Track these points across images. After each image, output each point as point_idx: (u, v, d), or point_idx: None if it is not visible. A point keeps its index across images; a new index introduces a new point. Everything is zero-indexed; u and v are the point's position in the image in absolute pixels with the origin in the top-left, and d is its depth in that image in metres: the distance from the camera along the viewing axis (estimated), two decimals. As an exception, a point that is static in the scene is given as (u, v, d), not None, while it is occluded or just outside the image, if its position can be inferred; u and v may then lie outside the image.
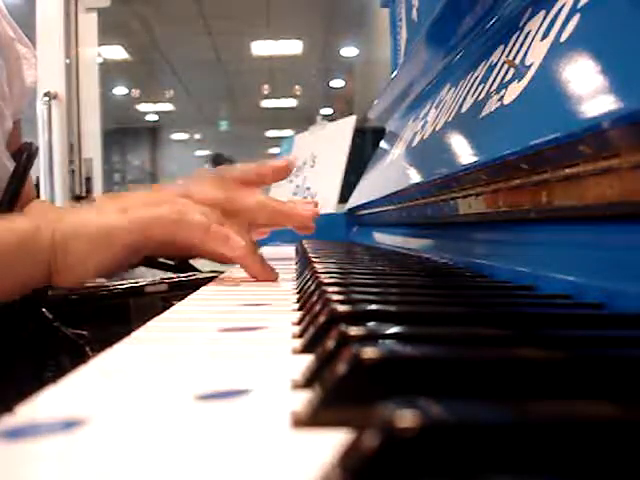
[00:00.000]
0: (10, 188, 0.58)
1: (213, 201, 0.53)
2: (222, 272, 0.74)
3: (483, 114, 0.53)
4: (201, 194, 0.54)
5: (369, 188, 1.19)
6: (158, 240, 0.49)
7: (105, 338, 0.26)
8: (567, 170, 0.35)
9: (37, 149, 0.65)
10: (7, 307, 0.54)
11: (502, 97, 0.49)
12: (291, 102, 7.88)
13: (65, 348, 0.60)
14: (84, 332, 0.61)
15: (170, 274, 0.89)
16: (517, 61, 0.49)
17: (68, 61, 2.66)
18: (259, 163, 0.62)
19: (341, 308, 0.26)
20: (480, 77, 0.61)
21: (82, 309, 0.68)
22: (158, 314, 0.35)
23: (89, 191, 2.73)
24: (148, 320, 0.33)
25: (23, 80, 0.64)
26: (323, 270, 0.48)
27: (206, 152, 9.85)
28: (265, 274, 0.54)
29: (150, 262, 0.88)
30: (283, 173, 0.63)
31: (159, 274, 0.91)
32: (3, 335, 0.55)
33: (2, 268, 0.46)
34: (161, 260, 0.88)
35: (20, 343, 0.57)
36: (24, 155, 0.61)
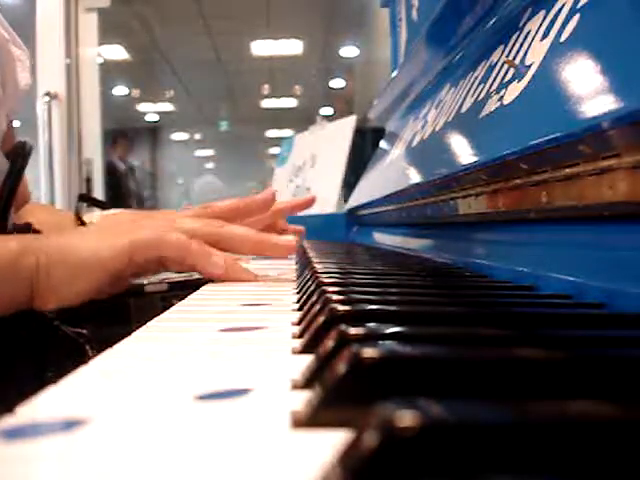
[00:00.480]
0: (5, 188, 0.58)
1: (194, 232, 0.54)
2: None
3: (483, 114, 0.53)
4: (183, 225, 0.54)
5: (369, 188, 1.19)
6: (140, 263, 0.50)
7: (105, 337, 0.26)
8: (567, 170, 0.35)
9: (31, 148, 0.64)
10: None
11: (502, 97, 0.49)
12: (291, 102, 7.88)
13: (65, 347, 0.60)
14: (84, 331, 0.61)
15: (170, 274, 0.89)
16: (517, 61, 0.49)
17: (68, 61, 2.66)
18: (241, 198, 0.64)
19: (341, 308, 0.26)
20: (480, 77, 0.61)
21: (82, 308, 0.68)
22: (158, 314, 0.35)
23: (89, 191, 2.73)
24: (148, 320, 0.33)
25: (17, 82, 0.63)
26: (323, 270, 0.48)
27: (206, 152, 9.85)
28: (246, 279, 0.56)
29: None
30: (266, 207, 0.65)
31: (159, 272, 0.91)
32: (3, 334, 0.55)
33: None
34: None
35: (20, 342, 0.57)
36: (19, 154, 0.61)
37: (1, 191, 0.57)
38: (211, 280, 0.59)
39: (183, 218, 0.57)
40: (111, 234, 0.51)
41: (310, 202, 0.71)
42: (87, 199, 1.01)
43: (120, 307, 0.69)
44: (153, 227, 0.52)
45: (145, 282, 0.73)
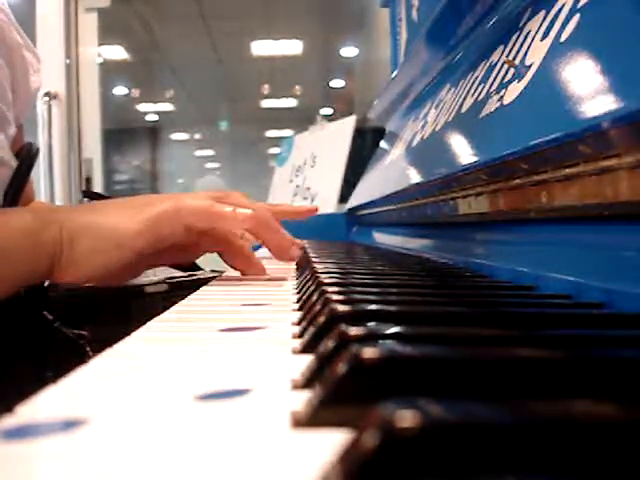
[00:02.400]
0: (12, 188, 0.58)
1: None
2: (222, 272, 0.74)
3: (483, 114, 0.53)
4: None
5: (369, 188, 1.19)
6: (168, 237, 0.49)
7: (106, 338, 0.26)
8: (567, 170, 0.35)
9: (38, 150, 0.65)
10: (8, 308, 0.54)
11: (502, 97, 0.49)
12: (291, 102, 7.87)
13: (66, 348, 0.60)
14: (84, 332, 0.61)
15: (170, 273, 0.89)
16: (517, 61, 0.49)
17: (68, 61, 2.66)
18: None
19: (341, 308, 0.26)
20: (480, 77, 0.61)
21: (82, 309, 0.68)
22: (159, 314, 0.35)
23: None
24: (148, 320, 0.33)
25: (28, 86, 0.64)
26: (323, 270, 0.48)
27: (206, 152, 9.85)
28: (252, 267, 0.56)
29: None
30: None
31: (159, 272, 0.91)
32: (4, 336, 0.55)
33: (5, 258, 0.45)
34: None
35: (21, 344, 0.57)
36: (25, 155, 0.61)
37: (8, 190, 0.58)
38: (210, 280, 0.59)
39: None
40: (133, 210, 0.49)
41: (313, 211, 0.71)
42: (91, 195, 1.01)
43: (120, 308, 0.69)
44: (175, 199, 0.51)
45: (145, 283, 0.73)
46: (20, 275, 0.47)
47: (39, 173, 2.59)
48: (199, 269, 0.92)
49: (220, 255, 0.58)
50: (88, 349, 0.59)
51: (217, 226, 0.51)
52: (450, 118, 0.68)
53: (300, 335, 0.28)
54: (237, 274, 0.60)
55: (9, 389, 0.48)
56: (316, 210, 0.72)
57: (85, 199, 1.02)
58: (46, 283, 0.60)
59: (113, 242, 0.47)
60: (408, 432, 0.11)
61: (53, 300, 0.62)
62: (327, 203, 1.65)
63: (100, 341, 0.26)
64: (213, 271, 0.88)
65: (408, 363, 0.17)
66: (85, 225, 0.47)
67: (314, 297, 0.34)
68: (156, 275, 0.75)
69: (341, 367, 0.17)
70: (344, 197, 1.60)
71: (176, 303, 0.41)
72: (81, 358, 0.23)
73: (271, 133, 9.10)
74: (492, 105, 0.51)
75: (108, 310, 0.69)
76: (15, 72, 0.60)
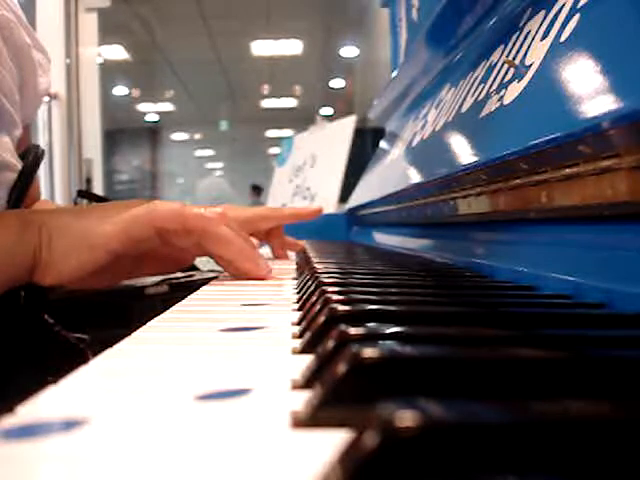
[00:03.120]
0: (16, 189, 0.58)
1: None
2: (222, 272, 0.74)
3: (483, 114, 0.53)
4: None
5: (369, 188, 1.19)
6: (139, 238, 0.49)
7: (106, 342, 0.26)
8: (567, 170, 0.36)
9: (43, 152, 0.65)
10: (8, 311, 0.54)
11: (502, 97, 0.49)
12: (291, 102, 7.88)
13: (66, 352, 0.60)
14: (85, 336, 0.61)
15: (169, 274, 0.90)
16: (517, 61, 0.49)
17: (68, 61, 2.66)
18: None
19: (341, 308, 0.26)
20: (480, 77, 0.61)
21: (82, 312, 0.68)
22: (159, 315, 0.35)
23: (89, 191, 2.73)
24: (148, 321, 0.33)
25: (36, 87, 0.64)
26: (323, 270, 0.48)
27: (206, 152, 9.85)
28: (256, 268, 0.54)
29: None
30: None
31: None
32: (4, 340, 0.55)
33: None
34: None
35: (21, 348, 0.57)
36: (30, 157, 0.61)
37: (12, 191, 0.58)
38: (210, 280, 0.59)
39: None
40: (109, 213, 0.50)
41: (318, 213, 0.71)
42: (86, 195, 1.01)
43: (121, 311, 0.70)
44: (151, 203, 0.51)
45: (145, 284, 0.73)
46: (4, 276, 0.47)
47: (39, 173, 2.58)
48: (197, 269, 0.92)
49: (216, 261, 0.57)
50: (89, 353, 0.59)
51: (189, 227, 0.50)
52: (450, 118, 0.68)
53: (300, 335, 0.28)
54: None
55: (9, 393, 0.48)
56: (320, 211, 0.71)
57: (80, 199, 1.01)
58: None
59: (86, 243, 0.47)
60: (408, 432, 0.11)
61: (53, 303, 0.62)
62: (327, 203, 1.65)
63: (100, 344, 0.26)
64: (212, 271, 0.88)
65: (408, 363, 0.17)
66: (62, 227, 0.48)
67: (314, 297, 0.34)
68: (155, 275, 0.75)
69: (341, 367, 0.17)
70: (344, 197, 1.60)
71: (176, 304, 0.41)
72: (81, 362, 0.23)
73: (271, 133, 9.11)
74: (492, 105, 0.51)
75: (108, 313, 0.69)
76: (23, 73, 0.60)
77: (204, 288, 0.51)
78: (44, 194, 2.59)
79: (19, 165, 0.59)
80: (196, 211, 0.50)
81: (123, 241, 0.48)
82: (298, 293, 0.45)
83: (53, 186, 2.60)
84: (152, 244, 0.50)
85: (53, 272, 0.47)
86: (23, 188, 0.59)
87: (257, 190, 6.39)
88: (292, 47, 6.05)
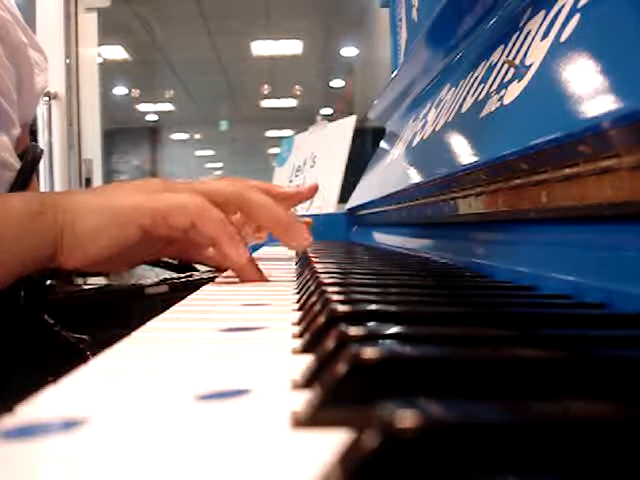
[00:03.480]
0: (15, 188, 0.58)
1: (225, 195, 0.50)
2: (222, 272, 0.74)
3: (483, 114, 0.53)
4: (214, 186, 0.51)
5: (369, 188, 1.19)
6: (174, 226, 0.46)
7: (106, 341, 0.26)
8: (567, 170, 0.35)
9: (42, 151, 0.65)
10: (8, 312, 0.54)
11: (502, 97, 0.49)
12: (291, 102, 7.88)
13: (66, 352, 0.60)
14: (85, 336, 0.61)
15: (170, 273, 0.90)
16: (517, 61, 0.49)
17: (68, 61, 2.66)
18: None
19: (341, 308, 0.26)
20: (480, 77, 0.61)
21: (82, 313, 0.68)
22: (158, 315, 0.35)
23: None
24: (148, 321, 0.33)
25: (33, 86, 0.64)
26: (323, 270, 0.48)
27: (206, 152, 9.85)
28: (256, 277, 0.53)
29: (152, 261, 0.88)
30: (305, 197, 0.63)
31: (160, 273, 0.91)
32: (4, 340, 0.55)
33: (4, 243, 0.44)
34: (163, 259, 0.88)
35: (21, 348, 0.57)
36: (29, 157, 0.61)
37: (10, 191, 0.58)
38: (210, 280, 0.59)
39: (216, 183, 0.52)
40: (146, 190, 0.48)
41: (314, 189, 0.70)
42: None
43: (121, 311, 0.70)
44: (188, 193, 0.48)
45: (145, 284, 0.73)
46: (21, 261, 0.46)
47: (39, 173, 2.58)
48: (195, 270, 0.92)
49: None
50: (89, 353, 0.59)
51: (219, 245, 0.48)
52: (450, 118, 0.68)
53: (300, 335, 0.28)
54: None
55: (9, 393, 0.48)
56: (316, 188, 0.70)
57: None
58: (48, 281, 0.60)
59: (118, 218, 0.45)
60: (408, 432, 0.11)
61: (53, 304, 0.62)
62: (327, 203, 1.65)
63: (100, 344, 0.26)
64: (211, 271, 0.88)
65: (408, 363, 0.17)
66: (86, 205, 0.46)
67: (314, 297, 0.34)
68: (155, 276, 0.75)
69: (341, 367, 0.17)
70: (344, 197, 1.60)
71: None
72: (81, 362, 0.23)
73: (271, 133, 9.10)
74: (492, 105, 0.51)
75: (108, 313, 0.69)
76: (20, 72, 0.60)
77: (204, 288, 0.51)
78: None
79: (17, 164, 0.59)
80: (233, 234, 0.48)
81: (158, 222, 0.46)
82: (298, 293, 0.45)
83: (53, 186, 2.60)
84: (180, 235, 0.48)
85: (77, 254, 0.46)
86: (22, 188, 0.59)
87: None
88: (292, 47, 6.04)
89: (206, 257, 0.57)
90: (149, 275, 0.90)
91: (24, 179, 0.59)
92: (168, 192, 0.48)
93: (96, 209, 0.46)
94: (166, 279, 0.79)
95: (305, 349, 0.25)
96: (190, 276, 0.84)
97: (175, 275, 0.87)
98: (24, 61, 0.61)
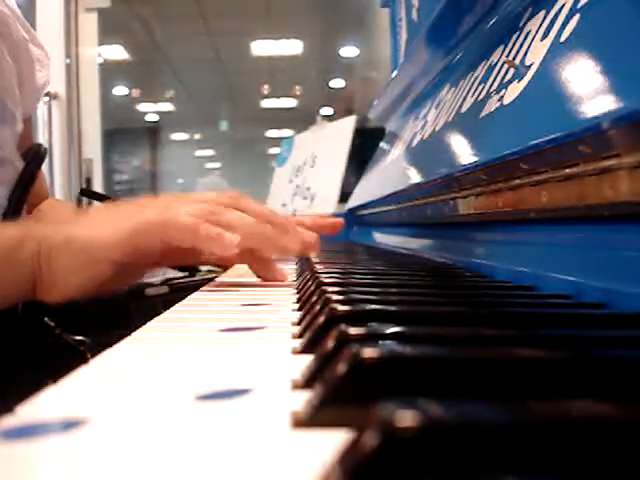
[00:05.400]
0: (18, 188, 0.58)
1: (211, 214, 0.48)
2: (222, 272, 0.74)
3: (483, 114, 0.53)
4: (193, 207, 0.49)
5: (369, 188, 1.19)
6: (146, 250, 0.46)
7: (106, 344, 0.26)
8: (567, 170, 0.35)
9: (46, 150, 0.65)
10: (8, 314, 0.54)
11: (502, 97, 0.49)
12: (291, 102, 7.88)
13: (67, 355, 0.60)
14: (85, 339, 0.61)
15: (171, 274, 0.90)
16: (517, 61, 0.49)
17: (68, 61, 2.66)
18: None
19: (341, 308, 0.26)
20: (480, 77, 0.61)
21: (83, 315, 0.68)
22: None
23: (89, 191, 2.73)
24: (148, 322, 0.33)
25: (34, 81, 0.64)
26: (323, 270, 0.48)
27: (206, 152, 9.85)
28: (272, 273, 0.52)
29: None
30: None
31: (159, 274, 0.91)
32: (4, 342, 0.55)
33: None
34: None
35: (21, 351, 0.57)
36: (33, 156, 0.61)
37: (14, 190, 0.58)
38: (211, 281, 0.59)
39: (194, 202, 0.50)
40: (113, 220, 0.47)
41: (338, 228, 0.66)
42: (88, 193, 1.01)
43: (121, 311, 0.70)
44: (157, 210, 0.47)
45: (145, 285, 0.73)
46: (2, 291, 0.46)
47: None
48: (197, 270, 0.92)
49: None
50: (89, 355, 0.59)
51: (199, 247, 0.47)
52: (450, 118, 0.68)
53: (300, 335, 0.28)
54: (238, 276, 0.60)
55: (10, 394, 0.47)
56: (341, 226, 0.66)
57: (83, 198, 1.01)
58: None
59: (87, 258, 0.45)
60: (408, 432, 0.11)
61: (53, 306, 0.62)
62: (327, 203, 1.65)
63: (100, 345, 0.26)
64: (211, 272, 0.88)
65: (408, 363, 0.17)
66: (63, 240, 0.45)
67: (314, 297, 0.34)
68: (155, 276, 0.75)
69: (341, 367, 0.17)
70: (344, 197, 1.60)
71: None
72: (82, 364, 0.23)
73: (271, 133, 9.10)
74: (492, 105, 0.51)
75: (108, 314, 0.69)
76: (21, 67, 0.60)
77: (204, 288, 0.51)
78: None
79: (20, 162, 0.59)
80: (210, 233, 0.46)
81: (127, 252, 0.45)
82: (298, 293, 0.45)
83: (53, 186, 2.60)
84: (157, 254, 0.47)
85: (57, 290, 0.46)
86: (25, 186, 0.59)
87: None
88: (292, 47, 6.04)
89: (206, 259, 0.56)
90: (150, 275, 0.90)
91: (28, 178, 0.59)
92: (137, 212, 0.48)
93: (70, 247, 0.45)
94: (167, 280, 0.79)
95: (305, 349, 0.25)
96: (191, 277, 0.84)
97: (176, 275, 0.87)
98: (25, 57, 0.61)
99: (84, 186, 2.73)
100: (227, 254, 0.47)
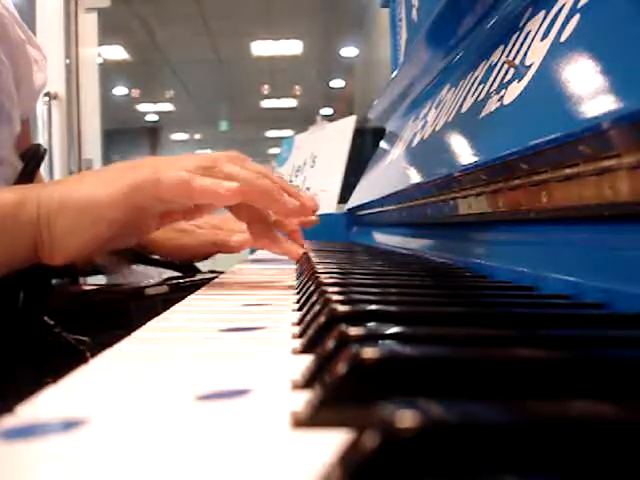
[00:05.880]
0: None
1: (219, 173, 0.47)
2: (222, 272, 0.74)
3: (483, 114, 0.53)
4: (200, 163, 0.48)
5: (369, 188, 1.19)
6: (142, 206, 0.46)
7: (106, 342, 0.26)
8: (567, 170, 0.35)
9: (45, 151, 0.65)
10: (8, 313, 0.54)
11: (502, 97, 0.49)
12: (291, 102, 7.88)
13: (66, 354, 0.60)
14: (85, 338, 0.61)
15: (171, 273, 0.90)
16: (517, 61, 0.49)
17: (68, 61, 2.66)
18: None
19: (341, 308, 0.26)
20: (480, 77, 0.61)
21: (82, 314, 0.68)
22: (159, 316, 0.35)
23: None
24: (148, 321, 0.33)
25: (32, 82, 0.64)
26: (323, 270, 0.48)
27: (206, 152, 9.83)
28: (283, 246, 0.52)
29: (152, 260, 0.88)
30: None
31: (161, 273, 0.91)
32: (4, 341, 0.55)
33: None
34: (163, 259, 0.88)
35: (21, 349, 0.57)
36: (32, 156, 0.61)
37: None
38: (210, 281, 0.59)
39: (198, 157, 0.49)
40: (108, 179, 0.46)
41: (310, 223, 0.65)
42: None
43: (121, 311, 0.69)
44: (152, 168, 0.47)
45: (145, 285, 0.73)
46: (4, 254, 0.45)
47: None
48: (198, 271, 0.92)
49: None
50: (89, 355, 0.59)
51: (197, 200, 0.46)
52: (450, 118, 0.68)
53: (300, 335, 0.28)
54: (238, 276, 0.60)
55: (9, 394, 0.47)
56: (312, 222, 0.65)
57: None
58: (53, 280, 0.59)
59: (87, 217, 0.45)
60: (408, 432, 0.11)
61: (53, 305, 0.62)
62: (327, 203, 1.65)
63: (100, 345, 0.26)
64: (212, 272, 0.88)
65: (408, 363, 0.17)
66: (60, 202, 0.45)
67: (314, 297, 0.34)
68: (155, 277, 0.75)
69: (341, 367, 0.17)
70: (344, 197, 1.60)
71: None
72: (81, 363, 0.23)
73: (271, 133, 9.10)
74: (492, 105, 0.51)
75: (108, 313, 0.69)
76: (18, 68, 0.60)
77: (204, 288, 0.51)
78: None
79: (18, 162, 0.59)
80: (204, 185, 0.45)
81: (124, 209, 0.45)
82: (298, 293, 0.45)
83: (53, 186, 2.61)
84: (155, 211, 0.48)
85: (59, 251, 0.45)
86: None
87: None
88: (292, 47, 6.04)
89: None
90: (151, 275, 0.90)
91: (27, 178, 0.59)
92: (133, 170, 0.47)
93: (69, 207, 0.45)
94: (167, 279, 0.79)
95: (305, 349, 0.25)
96: (191, 276, 0.84)
97: (176, 275, 0.87)
98: (23, 58, 0.61)
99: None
100: (225, 203, 0.46)
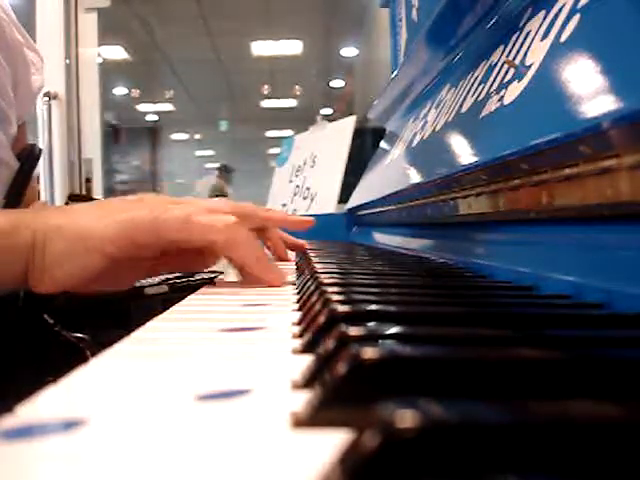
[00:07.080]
0: (13, 189, 0.58)
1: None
2: (221, 272, 0.74)
3: (483, 114, 0.53)
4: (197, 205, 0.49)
5: (369, 188, 1.19)
6: (142, 245, 0.46)
7: (106, 341, 0.26)
8: (567, 170, 0.35)
9: (40, 151, 0.65)
10: (8, 311, 0.54)
11: (502, 97, 0.49)
12: (291, 102, 7.88)
13: (66, 352, 0.60)
14: (85, 336, 0.61)
15: (171, 274, 0.90)
16: (517, 61, 0.49)
17: (68, 61, 2.66)
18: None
19: (341, 308, 0.26)
20: (480, 77, 0.61)
21: (82, 313, 0.68)
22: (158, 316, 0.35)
23: (89, 191, 2.73)
24: (148, 321, 0.33)
25: (29, 85, 0.64)
26: (323, 270, 0.48)
27: (206, 152, 9.85)
28: (271, 274, 0.51)
29: None
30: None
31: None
32: (4, 339, 0.55)
33: None
34: None
35: (21, 348, 0.57)
36: (28, 156, 0.61)
37: (9, 191, 0.58)
38: (210, 281, 0.59)
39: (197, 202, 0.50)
40: (107, 213, 0.46)
41: (308, 224, 0.66)
42: (77, 199, 1.01)
43: (120, 311, 0.69)
44: (152, 206, 0.47)
45: (145, 284, 0.73)
46: None
47: (39, 173, 2.58)
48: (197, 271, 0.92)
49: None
50: (89, 353, 0.59)
51: (195, 239, 0.46)
52: (450, 118, 0.68)
53: (300, 335, 0.28)
54: (237, 276, 0.60)
55: (9, 393, 0.47)
56: (310, 224, 0.66)
57: (71, 203, 1.00)
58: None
59: (81, 246, 0.44)
60: (408, 432, 0.11)
61: (53, 303, 0.62)
62: (327, 203, 1.65)
63: (100, 344, 0.26)
64: (212, 272, 0.88)
65: (408, 363, 0.17)
66: (56, 228, 0.45)
67: (314, 297, 0.34)
68: (156, 277, 0.74)
69: (341, 367, 0.17)
70: (344, 197, 1.60)
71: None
72: (81, 362, 0.23)
73: (271, 133, 9.11)
74: (492, 105, 0.51)
75: (108, 313, 0.69)
76: (16, 70, 0.60)
77: (204, 288, 0.51)
78: (44, 194, 2.57)
79: (15, 163, 0.59)
80: (204, 222, 0.46)
81: (122, 245, 0.45)
82: (298, 293, 0.45)
83: (53, 186, 2.60)
84: (154, 250, 0.47)
85: (47, 279, 0.44)
86: (21, 187, 0.59)
87: (225, 171, 5.97)
88: (292, 47, 6.05)
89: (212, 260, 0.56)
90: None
91: (23, 178, 0.59)
92: (134, 207, 0.47)
93: (65, 233, 0.45)
94: (166, 279, 0.79)
95: (305, 349, 0.25)
96: (191, 276, 0.84)
97: (176, 275, 0.87)
98: (20, 60, 0.61)
99: (84, 185, 2.73)
100: (223, 239, 0.46)
